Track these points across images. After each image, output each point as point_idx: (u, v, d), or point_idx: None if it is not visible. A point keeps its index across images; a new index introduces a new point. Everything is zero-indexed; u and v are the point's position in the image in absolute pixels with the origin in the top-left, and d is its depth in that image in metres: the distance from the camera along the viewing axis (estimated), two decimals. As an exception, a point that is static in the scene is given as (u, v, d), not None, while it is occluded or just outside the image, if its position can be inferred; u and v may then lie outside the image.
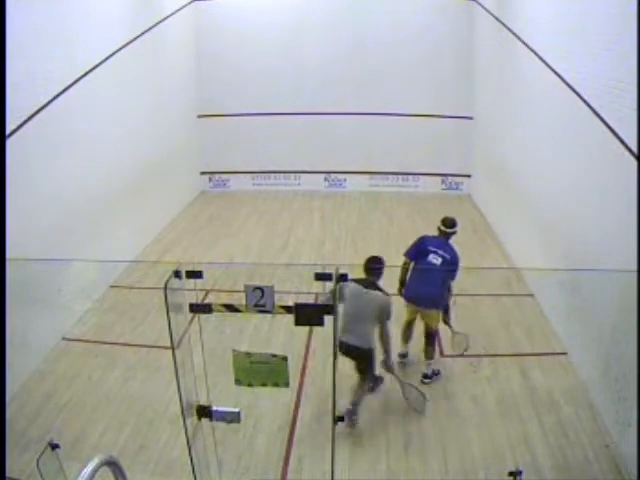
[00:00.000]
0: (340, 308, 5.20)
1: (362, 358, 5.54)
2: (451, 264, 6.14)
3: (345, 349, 5.39)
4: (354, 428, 5.54)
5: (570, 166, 6.89)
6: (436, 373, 6.35)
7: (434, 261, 6.15)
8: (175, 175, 11.86)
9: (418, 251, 6.31)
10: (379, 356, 5.69)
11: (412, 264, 6.31)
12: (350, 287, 5.49)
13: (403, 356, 6.61)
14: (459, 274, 6.23)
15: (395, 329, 6.12)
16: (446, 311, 6.46)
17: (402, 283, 6.35)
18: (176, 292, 3.87)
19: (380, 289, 5.64)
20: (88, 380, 6.30)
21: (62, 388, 6.14)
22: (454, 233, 6.49)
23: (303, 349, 6.74)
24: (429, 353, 6.30)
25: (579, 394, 5.96)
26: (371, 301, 5.49)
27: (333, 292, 3.88)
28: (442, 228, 6.45)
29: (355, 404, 5.61)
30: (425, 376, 6.27)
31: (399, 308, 6.17)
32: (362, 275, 5.69)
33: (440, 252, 6.19)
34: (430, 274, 6.19)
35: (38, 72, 6.59)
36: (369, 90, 13.14)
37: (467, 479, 4.96)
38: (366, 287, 5.55)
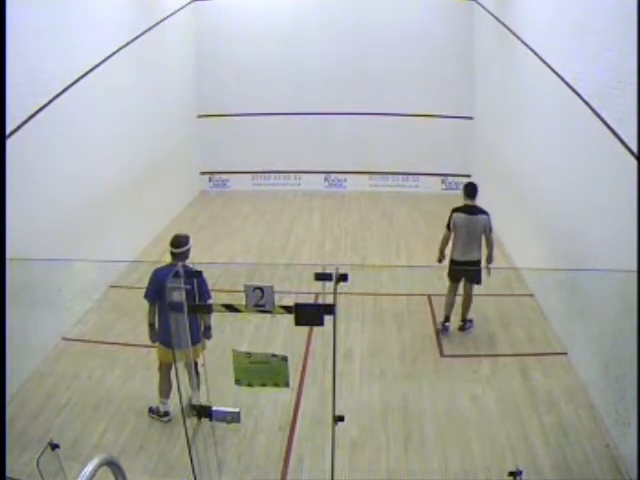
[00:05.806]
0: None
1: (477, 269, 6.94)
2: None
3: (465, 268, 6.82)
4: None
5: (570, 166, 6.89)
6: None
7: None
8: (175, 175, 11.86)
9: None
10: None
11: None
12: (460, 217, 6.88)
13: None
14: None
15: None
16: None
17: None
18: (176, 292, 3.88)
19: (481, 209, 6.99)
20: (88, 380, 6.30)
21: (62, 388, 6.13)
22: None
23: (303, 349, 6.74)
24: None
25: (579, 394, 5.95)
26: (478, 222, 6.87)
27: None
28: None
29: (466, 317, 7.14)
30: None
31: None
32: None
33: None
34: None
35: (38, 72, 6.59)
36: (369, 90, 13.14)
37: (467, 479, 4.96)
38: (471, 212, 6.89)
